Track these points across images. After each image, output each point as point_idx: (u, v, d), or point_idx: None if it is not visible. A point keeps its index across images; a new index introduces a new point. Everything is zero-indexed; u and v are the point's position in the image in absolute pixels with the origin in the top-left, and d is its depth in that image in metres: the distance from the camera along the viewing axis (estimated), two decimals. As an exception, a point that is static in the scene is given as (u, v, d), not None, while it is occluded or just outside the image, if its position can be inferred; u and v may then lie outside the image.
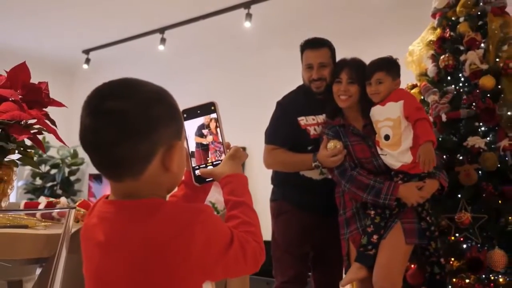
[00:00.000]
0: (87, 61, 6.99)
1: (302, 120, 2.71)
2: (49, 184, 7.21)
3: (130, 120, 0.96)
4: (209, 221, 1.00)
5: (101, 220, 1.04)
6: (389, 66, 2.53)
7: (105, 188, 6.94)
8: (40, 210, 1.73)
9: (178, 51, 6.42)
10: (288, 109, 2.76)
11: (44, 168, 7.29)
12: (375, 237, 2.41)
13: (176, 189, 1.24)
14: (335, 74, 2.59)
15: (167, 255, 0.94)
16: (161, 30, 6.04)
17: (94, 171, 7.38)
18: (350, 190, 2.49)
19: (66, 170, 7.31)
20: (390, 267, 2.37)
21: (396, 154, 2.46)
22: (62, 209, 1.43)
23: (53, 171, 7.30)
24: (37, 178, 7.27)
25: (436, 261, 2.54)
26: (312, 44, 2.72)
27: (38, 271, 2.16)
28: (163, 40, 6.03)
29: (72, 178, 7.39)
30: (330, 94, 2.61)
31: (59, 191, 7.12)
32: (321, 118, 2.71)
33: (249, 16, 5.26)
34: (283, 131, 2.74)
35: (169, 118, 1.04)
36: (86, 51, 7.01)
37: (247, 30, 5.53)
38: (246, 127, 5.03)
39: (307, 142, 2.67)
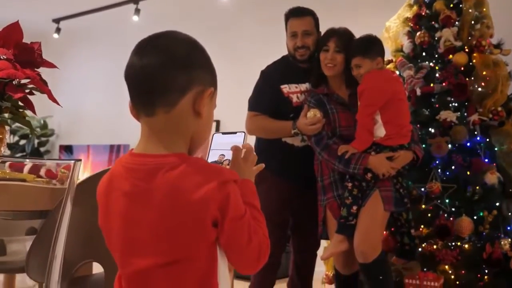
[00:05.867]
0: (58, 30, 6.81)
1: (285, 88, 2.77)
2: (18, 155, 7.09)
3: (174, 52, 1.07)
4: (233, 185, 1.04)
5: (127, 171, 1.07)
6: (366, 48, 2.55)
7: (76, 160, 6.88)
8: (50, 160, 1.75)
9: (153, 22, 6.33)
10: (271, 77, 2.82)
11: (13, 139, 7.17)
12: (354, 207, 2.47)
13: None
14: (322, 42, 2.63)
15: (192, 203, 0.99)
16: (136, 1, 5.94)
17: (65, 142, 7.35)
18: (324, 158, 2.57)
19: (36, 141, 7.20)
20: (369, 232, 2.45)
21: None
22: (68, 160, 1.46)
23: (22, 142, 7.19)
24: (6, 148, 7.13)
25: (407, 232, 2.63)
26: (297, 13, 2.77)
27: (25, 232, 2.19)
28: (137, 11, 5.95)
29: (42, 149, 7.29)
30: (316, 62, 2.67)
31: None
32: (304, 86, 2.78)
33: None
34: (265, 98, 2.80)
35: (207, 64, 1.12)
36: (57, 20, 6.81)
37: (224, 3, 5.51)
38: (220, 102, 5.04)
39: (289, 109, 2.73)
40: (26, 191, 1.43)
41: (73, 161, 1.43)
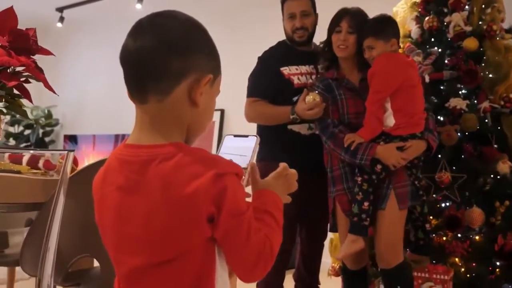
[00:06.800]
0: (61, 19, 6.78)
1: (285, 70, 2.69)
2: (23, 145, 7.09)
3: (170, 33, 0.99)
4: (232, 178, 0.96)
5: (121, 163, 1.02)
6: (379, 29, 2.43)
7: (80, 150, 6.85)
8: (45, 150, 1.70)
9: (156, 10, 6.26)
10: (270, 61, 2.74)
11: (17, 129, 7.16)
12: (365, 204, 2.35)
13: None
14: (335, 23, 2.52)
15: (184, 197, 0.92)
16: (139, -12, 5.89)
17: (69, 132, 7.32)
18: (330, 147, 2.48)
19: (40, 131, 7.18)
20: (391, 238, 2.38)
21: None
22: (61, 150, 1.40)
23: (27, 132, 7.17)
24: (11, 139, 7.14)
25: (421, 226, 2.53)
26: None
27: (25, 223, 2.16)
28: (140, -1, 5.90)
29: (47, 139, 7.27)
30: (326, 44, 2.58)
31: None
32: (304, 68, 2.71)
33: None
34: (264, 83, 2.72)
35: (207, 48, 1.04)
36: (60, 9, 6.78)
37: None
38: (224, 90, 4.97)
39: (291, 91, 2.65)
40: (20, 183, 1.38)
41: (65, 152, 1.38)
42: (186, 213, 0.93)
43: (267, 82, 2.71)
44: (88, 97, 7.20)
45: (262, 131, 2.78)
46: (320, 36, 2.78)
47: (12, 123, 6.96)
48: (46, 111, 7.21)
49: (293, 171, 1.20)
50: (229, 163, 1.00)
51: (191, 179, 0.92)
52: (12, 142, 7.15)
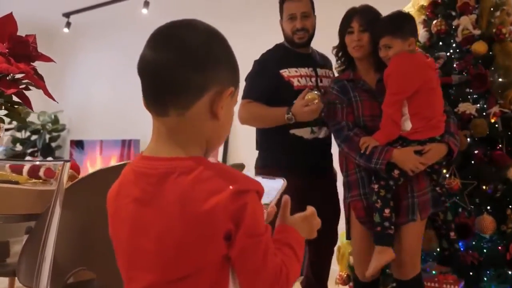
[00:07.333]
0: (68, 24, 6.78)
1: (285, 72, 2.65)
2: (29, 150, 7.08)
3: (190, 47, 0.96)
4: (253, 196, 0.94)
5: (137, 175, 1.00)
6: (396, 27, 2.32)
7: (87, 155, 6.84)
8: (36, 160, 1.67)
9: (162, 15, 6.25)
10: (268, 64, 2.69)
11: (24, 134, 7.15)
12: (386, 211, 2.25)
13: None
14: (345, 25, 2.45)
15: (202, 213, 0.90)
16: (145, -7, 5.90)
17: (76, 137, 7.32)
18: (344, 151, 2.41)
19: (47, 136, 7.17)
20: (413, 251, 2.31)
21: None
22: (57, 161, 1.37)
23: (34, 137, 7.16)
24: (17, 144, 7.14)
25: (445, 234, 2.43)
26: None
27: (26, 235, 2.13)
28: (146, 4, 5.88)
29: (53, 144, 7.26)
30: (340, 46, 2.52)
31: (40, 158, 7.00)
32: (303, 70, 2.66)
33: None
34: (260, 85, 2.67)
35: (228, 61, 1.02)
36: (67, 14, 6.78)
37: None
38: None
39: (291, 94, 2.59)
40: (17, 193, 1.35)
41: (61, 162, 1.35)
42: (203, 229, 0.91)
43: (264, 84, 2.66)
44: (95, 102, 7.19)
45: (264, 136, 2.74)
46: (316, 38, 2.75)
47: (18, 129, 6.96)
48: (53, 116, 7.20)
49: (319, 220, 1.19)
50: (250, 180, 0.97)
51: (210, 195, 0.90)
52: (19, 147, 7.15)
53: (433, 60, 2.63)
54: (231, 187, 0.90)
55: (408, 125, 2.31)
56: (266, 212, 1.09)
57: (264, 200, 1.07)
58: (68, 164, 1.33)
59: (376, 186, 2.30)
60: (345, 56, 2.52)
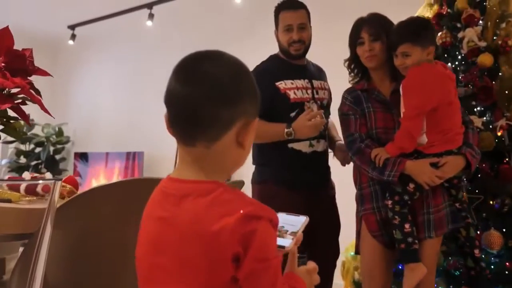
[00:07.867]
0: (73, 37, 6.81)
1: (281, 84, 2.59)
2: (33, 163, 7.07)
3: (219, 82, 0.99)
4: (265, 224, 0.95)
5: (163, 196, 1.05)
6: (417, 34, 2.18)
7: (91, 168, 6.82)
8: (23, 180, 1.63)
9: (167, 27, 6.27)
10: (264, 76, 2.56)
11: (28, 147, 7.15)
12: (406, 226, 2.15)
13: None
14: (355, 36, 2.38)
15: (210, 234, 0.92)
16: (149, 5, 5.89)
17: (80, 149, 7.30)
18: (356, 163, 2.35)
19: (51, 148, 7.16)
20: (429, 271, 2.19)
21: None
22: (47, 180, 1.34)
23: (38, 150, 7.15)
24: (21, 157, 7.13)
25: (470, 253, 2.29)
26: (291, 4, 2.61)
27: (21, 249, 2.09)
28: (151, 16, 5.90)
29: (57, 156, 7.25)
30: (352, 57, 2.44)
31: (44, 170, 6.98)
32: (299, 82, 2.61)
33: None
34: None
35: (254, 94, 1.07)
36: (72, 27, 6.82)
37: (237, 6, 5.40)
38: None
39: (287, 106, 2.55)
40: (7, 212, 1.31)
41: (53, 181, 1.31)
42: (211, 249, 0.93)
43: (261, 97, 2.61)
44: (99, 114, 7.18)
45: (261, 150, 2.67)
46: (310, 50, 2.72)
47: (22, 141, 6.95)
48: (57, 129, 7.20)
49: (318, 277, 1.21)
50: (265, 208, 0.98)
51: (221, 217, 0.93)
52: (23, 160, 7.14)
53: (451, 70, 2.52)
54: (241, 211, 0.93)
55: (423, 139, 2.20)
56: (295, 238, 1.13)
57: (291, 229, 1.15)
58: (59, 183, 1.30)
59: (390, 202, 2.20)
60: (358, 67, 2.45)
